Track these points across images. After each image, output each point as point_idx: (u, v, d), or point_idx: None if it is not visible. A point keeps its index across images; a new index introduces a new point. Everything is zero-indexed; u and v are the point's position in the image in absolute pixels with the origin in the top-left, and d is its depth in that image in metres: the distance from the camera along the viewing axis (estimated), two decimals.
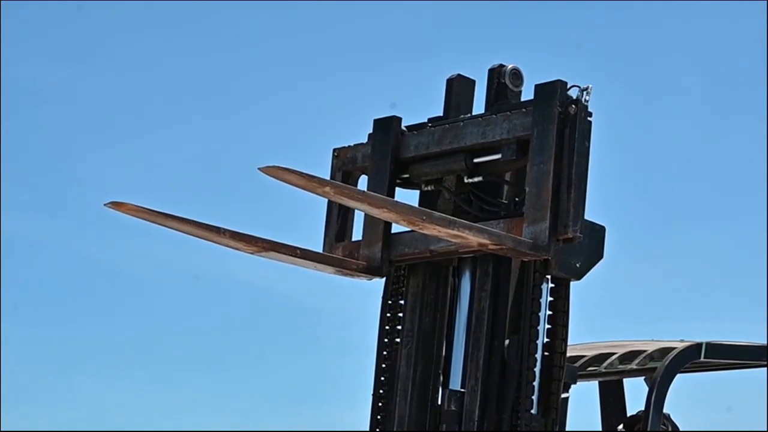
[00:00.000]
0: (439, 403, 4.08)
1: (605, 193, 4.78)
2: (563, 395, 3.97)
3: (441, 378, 4.15)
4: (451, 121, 4.17)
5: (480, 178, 4.11)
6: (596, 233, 3.97)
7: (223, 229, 3.94)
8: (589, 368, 4.92)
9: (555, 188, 3.79)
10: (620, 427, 5.13)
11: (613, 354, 4.90)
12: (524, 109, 3.96)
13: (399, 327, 4.24)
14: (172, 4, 16.24)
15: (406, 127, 4.27)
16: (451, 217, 3.80)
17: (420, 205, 4.25)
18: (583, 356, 4.89)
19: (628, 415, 5.21)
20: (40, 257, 17.04)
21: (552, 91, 3.86)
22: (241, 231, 3.96)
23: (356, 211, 4.23)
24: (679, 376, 4.56)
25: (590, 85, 3.87)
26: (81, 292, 17.11)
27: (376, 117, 4.31)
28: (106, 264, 15.91)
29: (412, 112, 4.37)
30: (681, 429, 4.84)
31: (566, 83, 3.87)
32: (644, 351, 4.78)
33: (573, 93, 3.90)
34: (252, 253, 4.02)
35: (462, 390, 3.98)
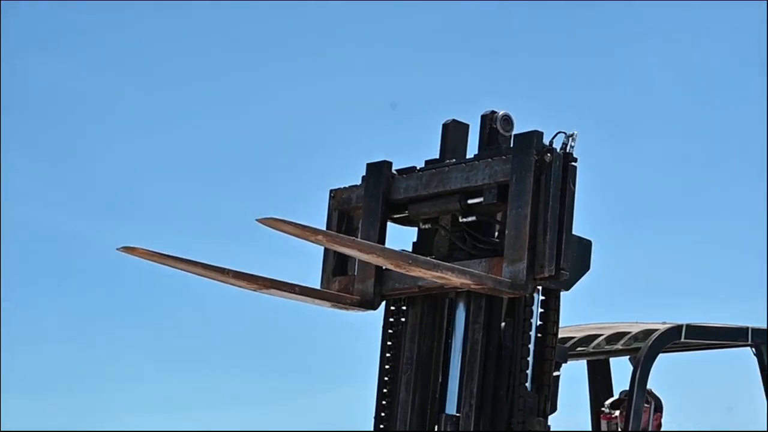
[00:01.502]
0: (436, 426, 4.39)
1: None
2: (555, 373, 4.31)
3: (438, 403, 4.46)
4: (437, 167, 4.52)
5: (473, 218, 4.45)
6: (584, 247, 4.31)
7: (228, 269, 4.30)
8: (578, 348, 5.28)
9: (532, 231, 4.14)
10: (607, 402, 5.44)
11: (601, 335, 5.26)
12: (504, 157, 4.30)
13: (399, 355, 4.56)
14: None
15: (396, 170, 4.62)
16: (435, 261, 4.18)
17: (418, 241, 4.66)
18: (573, 337, 5.27)
19: (615, 393, 5.57)
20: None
21: (529, 141, 4.21)
22: (243, 271, 4.32)
23: None
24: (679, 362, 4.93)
25: (575, 132, 4.21)
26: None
27: (369, 161, 4.66)
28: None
29: (411, 155, 4.72)
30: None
31: (542, 133, 4.22)
32: (629, 332, 5.14)
33: (559, 139, 4.23)
34: (254, 291, 4.37)
35: (457, 414, 4.29)
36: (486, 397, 4.29)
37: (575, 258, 4.25)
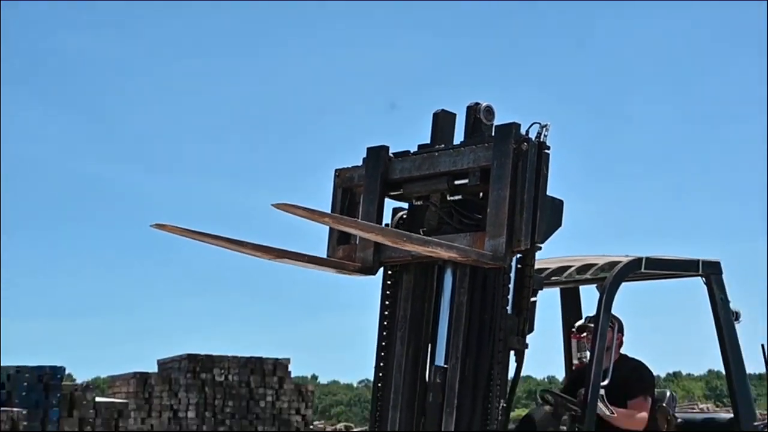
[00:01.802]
0: (427, 376, 4.84)
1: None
2: (532, 299, 4.74)
3: (428, 355, 4.88)
4: (428, 151, 4.96)
5: (459, 197, 4.90)
6: (556, 206, 4.77)
7: (247, 242, 4.77)
8: (553, 278, 5.70)
9: (510, 210, 4.61)
10: (577, 324, 5.90)
11: (572, 266, 5.66)
12: (486, 144, 4.76)
13: (395, 314, 4.98)
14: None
15: (393, 153, 5.05)
16: (426, 237, 4.67)
17: (410, 215, 5.10)
18: (548, 268, 5.67)
19: (583, 318, 6.01)
20: None
21: (508, 131, 4.69)
22: (260, 243, 4.78)
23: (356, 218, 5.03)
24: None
25: (549, 123, 4.69)
26: None
27: (369, 146, 5.08)
28: None
29: (406, 139, 5.14)
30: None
31: (520, 125, 4.68)
32: (596, 264, 5.53)
33: (534, 129, 4.68)
34: (269, 260, 4.80)
35: (445, 366, 4.73)
36: (470, 351, 4.70)
37: (549, 216, 4.69)
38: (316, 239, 5.13)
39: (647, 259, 5.40)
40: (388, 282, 5.08)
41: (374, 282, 5.09)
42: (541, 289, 4.86)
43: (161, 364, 47.59)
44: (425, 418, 4.81)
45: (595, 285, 5.54)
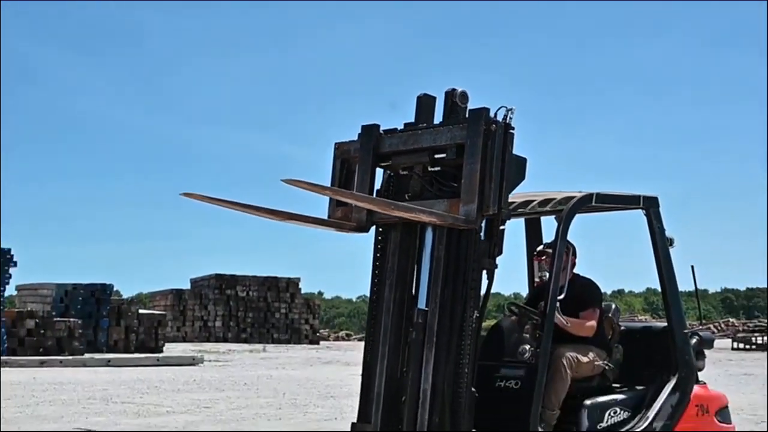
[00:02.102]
0: (412, 317, 4.94)
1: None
2: (501, 227, 4.88)
3: (412, 300, 5.00)
4: (413, 129, 5.07)
5: (438, 168, 5.02)
6: (520, 163, 4.89)
7: (262, 207, 4.88)
8: (518, 210, 5.78)
9: (481, 181, 4.74)
10: (539, 248, 6.01)
11: (534, 200, 5.74)
12: (461, 125, 4.88)
13: (384, 265, 5.10)
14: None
15: (383, 130, 5.16)
16: (410, 205, 4.80)
17: (396, 183, 5.21)
18: (514, 202, 5.68)
19: (543, 243, 6.15)
20: None
21: (479, 115, 4.82)
22: (272, 207, 4.91)
23: (352, 184, 5.22)
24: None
25: (514, 107, 4.80)
26: None
27: (364, 123, 5.19)
28: None
29: (397, 117, 5.25)
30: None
31: (489, 109, 4.79)
32: (555, 198, 5.62)
33: (501, 112, 4.79)
34: (280, 221, 4.94)
35: (426, 309, 4.85)
36: (446, 296, 4.83)
37: (514, 171, 4.80)
38: (318, 202, 5.25)
39: (597, 194, 5.51)
40: (379, 238, 5.19)
41: (368, 238, 5.22)
42: (509, 218, 4.96)
43: (193, 282, 48.41)
44: (409, 353, 4.93)
45: (554, 216, 5.60)
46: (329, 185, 5.26)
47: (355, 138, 5.24)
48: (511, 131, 4.81)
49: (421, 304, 4.90)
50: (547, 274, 5.45)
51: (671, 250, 5.84)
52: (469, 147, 4.79)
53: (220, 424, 12.14)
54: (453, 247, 4.91)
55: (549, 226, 6.27)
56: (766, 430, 6.95)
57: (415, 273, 5.06)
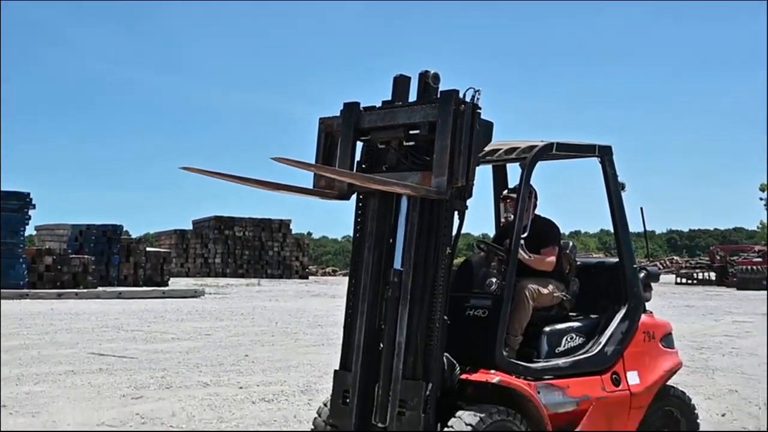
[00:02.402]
0: (388, 276, 4.90)
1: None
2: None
3: (388, 261, 4.96)
4: (389, 107, 4.98)
5: (413, 143, 4.95)
6: (487, 127, 4.83)
7: (253, 178, 4.78)
8: (486, 158, 5.67)
9: (451, 156, 4.67)
10: (504, 192, 5.94)
11: (501, 149, 5.63)
12: (433, 104, 4.80)
13: (364, 229, 5.04)
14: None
15: (363, 108, 5.05)
16: (386, 179, 4.73)
17: (375, 156, 5.12)
18: (483, 150, 5.50)
19: (508, 187, 6.07)
20: None
21: (450, 96, 4.73)
22: (263, 179, 4.81)
23: (335, 156, 5.12)
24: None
25: (480, 89, 4.72)
26: None
27: (346, 101, 5.09)
28: None
29: (375, 95, 5.15)
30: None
31: (458, 91, 4.70)
32: (519, 147, 5.52)
33: (469, 93, 4.70)
34: (271, 191, 4.86)
35: (401, 269, 4.85)
36: (419, 258, 4.80)
37: (481, 134, 4.75)
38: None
39: (557, 143, 5.45)
40: (359, 205, 5.14)
41: (349, 205, 5.18)
42: (478, 165, 4.90)
43: (195, 223, 48.22)
44: (386, 309, 4.91)
45: (518, 163, 5.53)
46: (315, 155, 5.19)
47: (338, 114, 5.15)
48: (479, 110, 4.73)
49: (397, 264, 4.88)
50: (512, 215, 5.41)
51: (623, 195, 5.78)
52: (441, 125, 4.72)
53: (219, 349, 12.18)
54: (425, 215, 4.87)
55: (514, 173, 6.17)
56: (766, 430, 7.00)
57: (391, 237, 5.01)
